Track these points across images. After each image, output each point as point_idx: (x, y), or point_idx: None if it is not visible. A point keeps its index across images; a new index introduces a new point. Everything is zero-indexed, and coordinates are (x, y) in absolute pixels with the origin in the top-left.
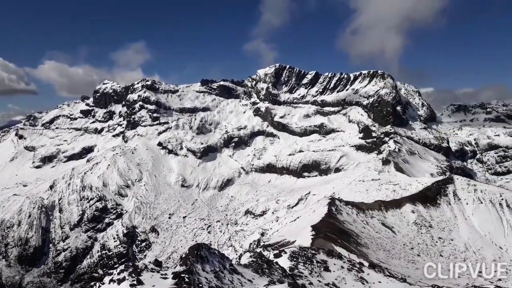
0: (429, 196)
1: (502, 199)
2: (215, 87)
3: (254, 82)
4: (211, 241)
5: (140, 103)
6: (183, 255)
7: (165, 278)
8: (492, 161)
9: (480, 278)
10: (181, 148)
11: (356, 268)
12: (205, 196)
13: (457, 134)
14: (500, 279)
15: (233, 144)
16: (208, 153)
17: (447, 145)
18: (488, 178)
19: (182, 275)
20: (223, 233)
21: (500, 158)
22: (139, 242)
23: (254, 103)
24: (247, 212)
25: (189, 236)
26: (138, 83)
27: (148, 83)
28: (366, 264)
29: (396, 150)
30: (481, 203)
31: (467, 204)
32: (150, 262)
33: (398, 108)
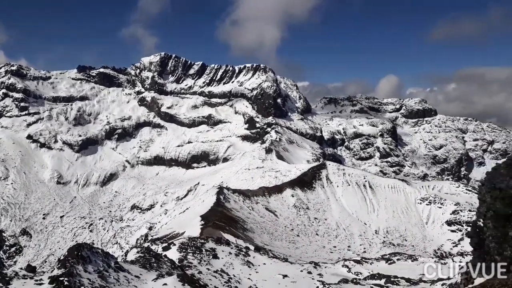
0: (306, 181)
1: (366, 181)
2: (94, 74)
3: (138, 71)
4: (93, 240)
5: (4, 90)
6: (62, 257)
7: (40, 284)
8: (357, 148)
9: (349, 252)
10: (56, 141)
11: (243, 253)
12: (85, 193)
13: (328, 124)
14: (364, 251)
15: (116, 136)
16: (87, 146)
17: (320, 134)
18: (354, 163)
19: (61, 278)
20: (107, 231)
21: (363, 145)
22: (8, 248)
23: (139, 93)
24: (134, 207)
25: (68, 236)
26: (0, 68)
27: (14, 68)
28: (252, 248)
29: (277, 139)
30: (349, 185)
31: (337, 186)
32: (21, 269)
33: (279, 100)
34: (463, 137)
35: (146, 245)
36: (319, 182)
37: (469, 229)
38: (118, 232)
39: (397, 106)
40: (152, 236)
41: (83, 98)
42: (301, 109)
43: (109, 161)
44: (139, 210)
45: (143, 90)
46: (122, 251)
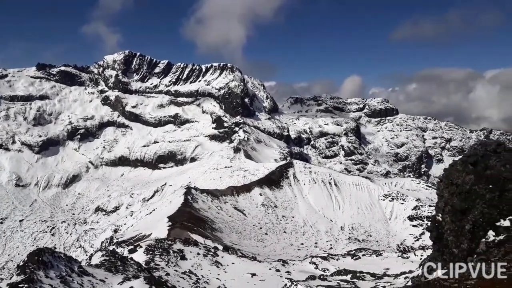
0: (274, 179)
1: (331, 179)
2: (55, 72)
3: (102, 69)
4: (55, 245)
5: None
6: (21, 263)
7: None
8: (323, 146)
9: (316, 249)
10: (14, 142)
11: (212, 253)
12: (46, 196)
13: (295, 123)
14: (331, 248)
15: (79, 136)
16: (48, 147)
17: (287, 133)
18: (320, 161)
19: (20, 285)
20: (70, 234)
21: (329, 144)
22: None
23: (102, 91)
24: (98, 209)
25: (28, 241)
26: None
27: None
28: (220, 247)
29: (245, 139)
30: (315, 183)
31: (304, 184)
32: None
33: (246, 100)
34: (423, 135)
35: (111, 248)
36: (286, 181)
37: (429, 223)
38: (82, 235)
39: (361, 106)
40: (117, 238)
41: (43, 97)
42: (268, 109)
43: (72, 162)
44: (104, 212)
45: (106, 89)
46: (86, 255)
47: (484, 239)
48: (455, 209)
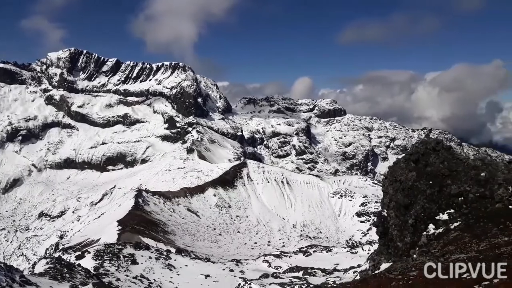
0: (228, 180)
1: (284, 178)
2: None
3: (45, 67)
4: None
5: None
6: None
7: None
8: (276, 146)
9: (269, 247)
10: None
11: (164, 256)
12: None
13: (248, 123)
14: (284, 245)
15: (20, 137)
16: None
17: (241, 133)
18: (273, 160)
19: None
20: (11, 242)
21: (281, 144)
22: None
23: (45, 90)
24: (42, 214)
25: None
26: None
27: None
28: (173, 250)
29: (199, 139)
30: (268, 182)
31: (258, 184)
32: None
33: (199, 100)
34: (369, 135)
35: (56, 255)
36: (240, 181)
37: (375, 219)
38: (24, 243)
39: (311, 107)
40: (63, 245)
41: None
42: (221, 109)
43: (12, 166)
44: (48, 218)
45: (50, 87)
46: (29, 264)
47: (425, 232)
48: (399, 205)
